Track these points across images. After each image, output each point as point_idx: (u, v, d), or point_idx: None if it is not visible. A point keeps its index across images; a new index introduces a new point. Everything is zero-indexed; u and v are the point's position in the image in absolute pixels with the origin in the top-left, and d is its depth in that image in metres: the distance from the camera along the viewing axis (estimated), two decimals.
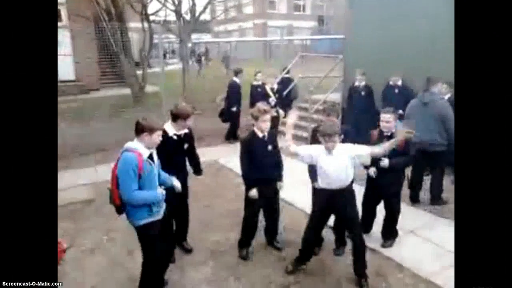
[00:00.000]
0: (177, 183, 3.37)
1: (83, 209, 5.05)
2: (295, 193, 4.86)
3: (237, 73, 8.29)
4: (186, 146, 3.83)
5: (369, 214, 4.22)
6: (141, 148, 2.88)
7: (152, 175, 2.95)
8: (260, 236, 4.18)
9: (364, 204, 4.20)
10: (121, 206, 2.95)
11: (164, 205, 3.15)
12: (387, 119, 3.84)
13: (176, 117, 3.64)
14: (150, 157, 2.96)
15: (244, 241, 4.03)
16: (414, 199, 5.15)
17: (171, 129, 3.66)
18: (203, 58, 20.41)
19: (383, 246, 4.09)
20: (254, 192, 3.76)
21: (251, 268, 3.82)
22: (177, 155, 3.73)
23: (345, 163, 3.31)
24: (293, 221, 4.57)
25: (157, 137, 2.94)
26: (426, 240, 4.20)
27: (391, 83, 6.79)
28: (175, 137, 3.67)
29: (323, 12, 37.08)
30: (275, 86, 7.72)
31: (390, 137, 3.68)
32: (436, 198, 5.09)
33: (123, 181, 2.80)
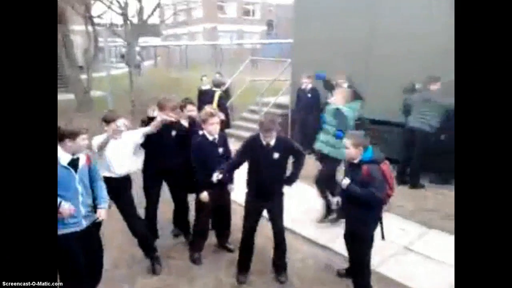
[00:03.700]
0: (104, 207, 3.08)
1: None
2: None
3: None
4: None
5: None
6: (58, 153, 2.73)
7: (70, 181, 2.78)
8: (210, 238, 4.16)
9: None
10: None
11: (92, 216, 2.96)
12: (345, 145, 3.15)
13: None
14: (73, 162, 2.80)
15: (196, 245, 3.99)
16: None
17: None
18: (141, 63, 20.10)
19: None
20: (205, 195, 3.74)
21: (203, 272, 3.79)
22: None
23: (129, 149, 3.59)
24: None
25: (82, 141, 2.79)
26: None
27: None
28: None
29: (273, 17, 37.75)
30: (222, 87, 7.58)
31: (357, 165, 3.09)
32: (415, 179, 5.83)
33: None
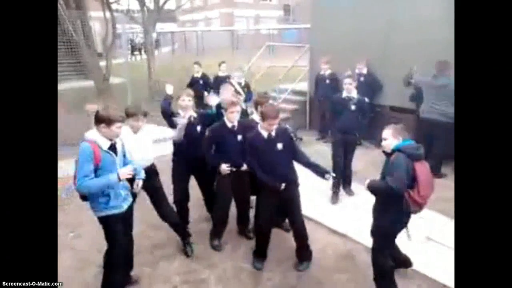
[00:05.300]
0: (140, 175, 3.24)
1: None
2: None
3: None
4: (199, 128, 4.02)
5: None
6: (99, 138, 2.77)
7: (113, 165, 2.85)
8: (231, 225, 4.19)
9: None
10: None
11: (129, 199, 3.08)
12: (384, 135, 3.08)
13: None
14: (112, 147, 2.86)
15: (216, 231, 4.04)
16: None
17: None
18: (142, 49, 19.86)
19: None
20: (224, 166, 3.76)
21: (223, 258, 3.84)
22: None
23: (149, 143, 3.60)
24: None
25: (116, 129, 2.80)
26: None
27: (356, 71, 6.94)
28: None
29: (289, 1, 37.12)
30: (242, 81, 6.79)
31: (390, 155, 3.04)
32: (435, 169, 5.36)
33: (77, 170, 2.74)
